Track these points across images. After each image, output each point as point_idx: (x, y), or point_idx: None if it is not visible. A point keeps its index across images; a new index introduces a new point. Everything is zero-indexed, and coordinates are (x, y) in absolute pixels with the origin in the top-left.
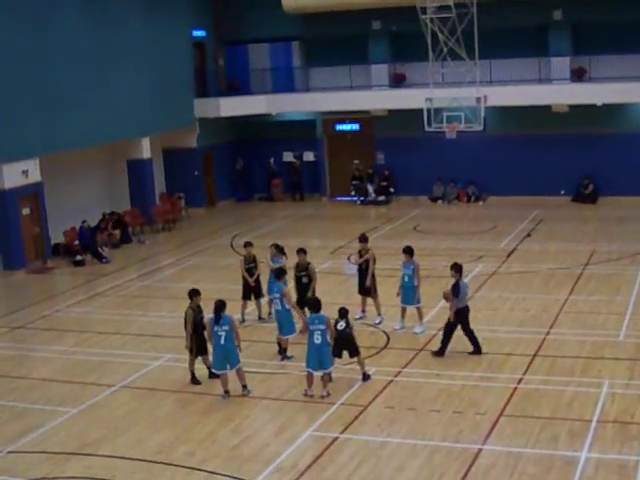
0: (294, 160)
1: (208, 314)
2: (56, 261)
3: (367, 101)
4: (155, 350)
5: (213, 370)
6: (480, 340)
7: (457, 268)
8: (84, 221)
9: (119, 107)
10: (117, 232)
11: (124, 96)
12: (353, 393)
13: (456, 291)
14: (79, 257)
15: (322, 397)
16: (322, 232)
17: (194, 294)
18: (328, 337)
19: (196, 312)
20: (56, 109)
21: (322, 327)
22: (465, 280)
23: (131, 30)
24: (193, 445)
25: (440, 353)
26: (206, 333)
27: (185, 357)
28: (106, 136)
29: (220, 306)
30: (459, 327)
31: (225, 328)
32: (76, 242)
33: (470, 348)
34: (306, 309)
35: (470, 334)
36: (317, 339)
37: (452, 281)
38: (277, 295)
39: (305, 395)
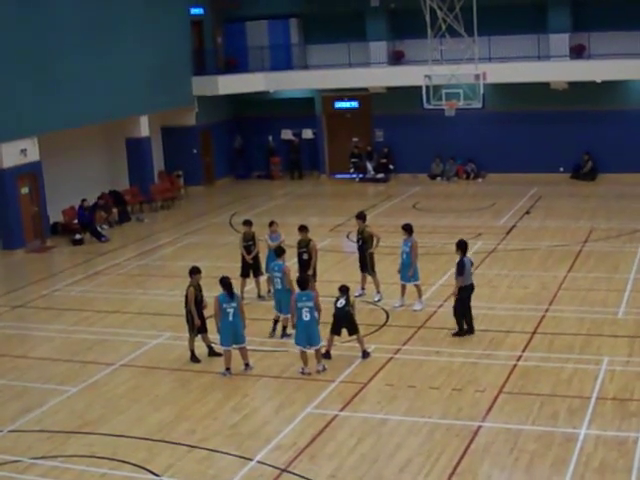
0: (293, 138)
1: (207, 292)
2: (55, 240)
3: (366, 78)
4: (154, 328)
5: (221, 346)
6: (480, 317)
7: (461, 245)
8: (84, 200)
9: (117, 86)
10: (116, 211)
11: (122, 75)
12: (353, 371)
13: (460, 268)
14: (78, 236)
15: (318, 372)
16: (321, 210)
17: (195, 272)
18: (316, 314)
19: (197, 290)
20: (54, 88)
21: (310, 304)
22: (470, 257)
23: (129, 8)
24: (193, 423)
25: (460, 333)
26: (206, 311)
27: (184, 335)
28: (104, 115)
29: (229, 283)
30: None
31: (234, 305)
32: (75, 221)
33: (455, 328)
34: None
35: (468, 313)
36: (305, 316)
37: (457, 259)
38: (278, 274)
39: (302, 373)
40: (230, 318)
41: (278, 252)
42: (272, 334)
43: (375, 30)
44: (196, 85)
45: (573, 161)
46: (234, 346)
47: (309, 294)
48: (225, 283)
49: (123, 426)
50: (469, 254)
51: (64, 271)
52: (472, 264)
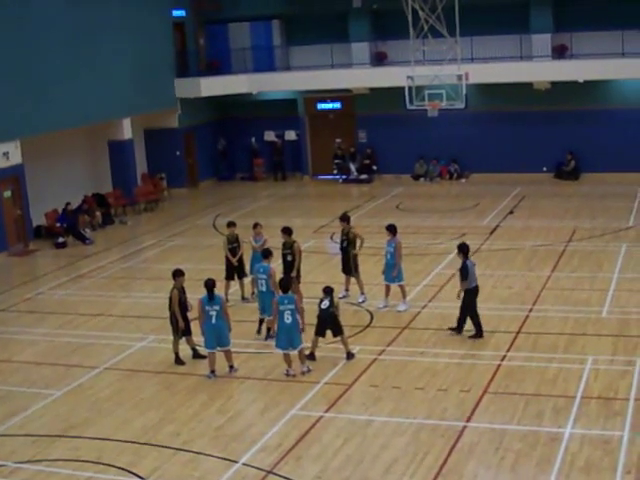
0: (276, 139)
1: (191, 294)
2: (38, 243)
3: (348, 79)
4: (139, 331)
5: (205, 349)
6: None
7: (463, 248)
8: (68, 203)
9: (99, 88)
10: (99, 214)
11: (104, 77)
12: (337, 372)
13: (464, 273)
14: (61, 239)
15: (303, 373)
16: (304, 211)
17: (178, 274)
18: (298, 317)
19: (180, 292)
20: (36, 91)
21: (291, 307)
22: (471, 259)
23: (111, 10)
24: (178, 426)
25: (459, 330)
26: (190, 314)
27: (169, 338)
28: (87, 117)
29: (212, 285)
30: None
31: (216, 308)
32: (57, 224)
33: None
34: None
35: (475, 316)
36: (287, 319)
37: (459, 263)
38: (263, 276)
39: (287, 375)
40: (213, 321)
41: (265, 254)
42: (258, 334)
43: (357, 31)
44: (179, 87)
45: (556, 161)
46: (218, 349)
47: (290, 297)
48: (207, 285)
49: (108, 429)
50: (450, 256)
51: (47, 274)
52: (474, 265)
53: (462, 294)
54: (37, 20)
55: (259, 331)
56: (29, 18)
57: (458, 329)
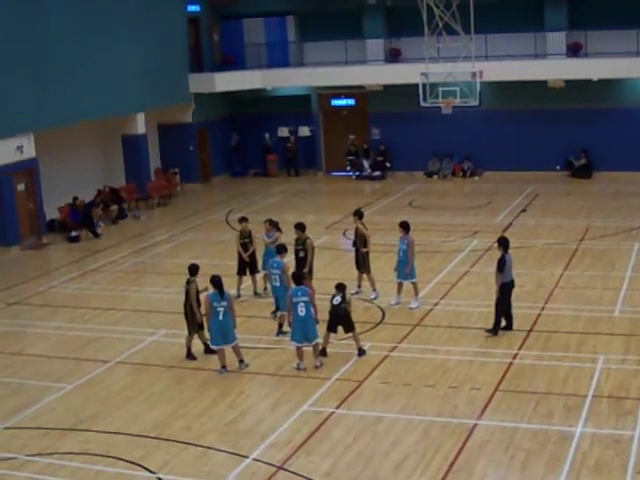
0: (289, 135)
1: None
2: (51, 237)
3: (362, 76)
4: (150, 326)
5: (211, 346)
6: (476, 315)
7: (503, 242)
8: (75, 198)
9: (113, 83)
10: (115, 207)
11: (119, 72)
12: (348, 368)
13: (501, 265)
14: (74, 233)
15: (316, 367)
16: (317, 207)
17: (197, 270)
18: (312, 309)
19: (198, 288)
20: (50, 85)
21: (305, 299)
22: (510, 254)
23: (126, 4)
24: (189, 420)
25: (494, 331)
26: (203, 309)
27: (180, 332)
28: (100, 112)
29: (220, 282)
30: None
31: (224, 304)
32: (70, 219)
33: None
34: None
35: (508, 309)
36: (301, 311)
37: (498, 255)
38: (277, 271)
39: (298, 369)
40: (220, 317)
41: (280, 250)
42: (279, 331)
43: (372, 28)
44: (193, 82)
45: (570, 159)
46: (224, 345)
47: (304, 289)
48: (215, 282)
49: (119, 423)
50: (464, 253)
51: (60, 268)
52: (512, 260)
53: (498, 287)
54: (51, 14)
55: (278, 332)
56: (43, 12)
57: (494, 330)
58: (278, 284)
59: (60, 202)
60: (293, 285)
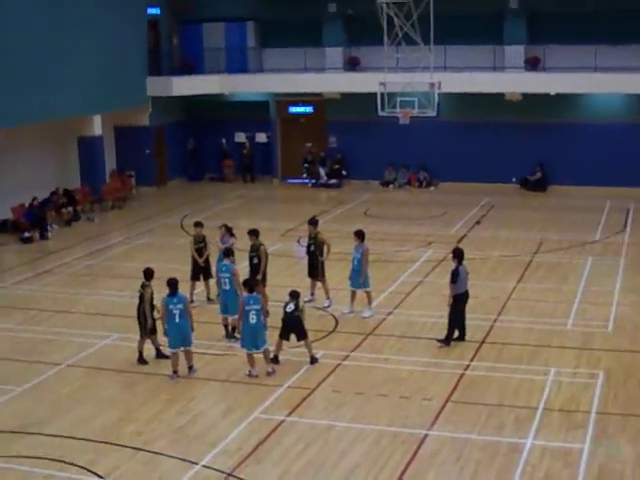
0: (246, 141)
1: (156, 294)
2: (3, 238)
3: (321, 84)
4: (102, 329)
5: (168, 349)
6: (429, 326)
7: (457, 254)
8: (34, 198)
9: (71, 84)
10: (69, 209)
11: (76, 73)
12: (300, 376)
13: (454, 277)
14: (27, 234)
15: (268, 373)
16: (273, 214)
17: (152, 274)
18: (262, 318)
19: (152, 292)
20: (6, 85)
21: (257, 307)
22: (465, 265)
23: (85, 6)
24: (139, 425)
25: (447, 341)
26: (157, 313)
27: (132, 336)
28: (57, 113)
29: (175, 284)
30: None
31: (179, 306)
32: (23, 219)
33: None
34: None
35: (461, 320)
36: (252, 319)
37: (452, 266)
38: (226, 274)
39: (249, 376)
40: (177, 319)
41: (226, 253)
42: (229, 339)
43: (332, 36)
44: (151, 85)
45: (525, 172)
46: (182, 348)
47: (256, 297)
48: (171, 283)
49: (69, 427)
50: (418, 263)
51: (12, 269)
52: (467, 273)
53: (451, 300)
54: (7, 15)
55: (228, 335)
56: (0, 12)
57: (447, 340)
58: (228, 287)
59: (13, 202)
60: (245, 292)
